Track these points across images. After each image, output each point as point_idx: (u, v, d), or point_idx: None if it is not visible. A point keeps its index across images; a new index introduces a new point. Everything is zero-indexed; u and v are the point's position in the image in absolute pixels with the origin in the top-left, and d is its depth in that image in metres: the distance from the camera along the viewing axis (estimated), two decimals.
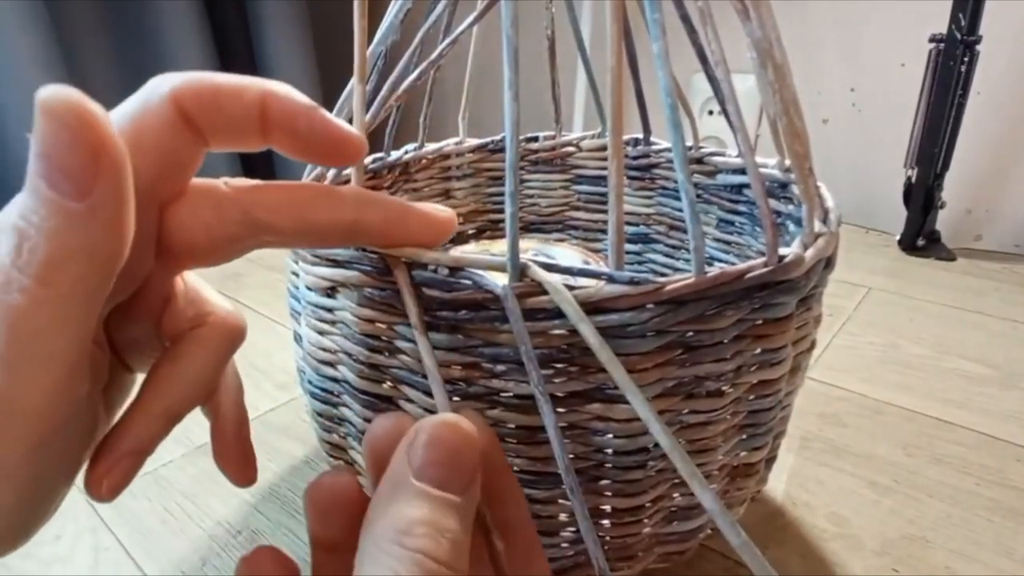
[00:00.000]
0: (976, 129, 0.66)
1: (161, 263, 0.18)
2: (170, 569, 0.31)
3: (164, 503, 0.36)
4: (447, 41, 0.28)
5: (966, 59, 0.60)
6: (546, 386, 0.20)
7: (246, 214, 0.18)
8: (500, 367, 0.21)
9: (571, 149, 0.47)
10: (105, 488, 0.17)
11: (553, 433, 0.19)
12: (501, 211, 0.49)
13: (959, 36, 0.60)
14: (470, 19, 0.27)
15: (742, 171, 0.36)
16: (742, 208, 0.37)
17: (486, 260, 0.19)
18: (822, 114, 0.78)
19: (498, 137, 0.46)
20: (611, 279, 0.19)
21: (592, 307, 0.19)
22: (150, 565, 0.32)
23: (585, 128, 0.47)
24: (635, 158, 0.44)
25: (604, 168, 0.46)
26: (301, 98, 0.17)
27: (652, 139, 0.43)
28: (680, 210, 0.43)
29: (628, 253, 0.47)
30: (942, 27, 0.61)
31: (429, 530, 0.14)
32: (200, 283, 0.20)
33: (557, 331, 0.19)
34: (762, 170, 0.35)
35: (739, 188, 0.37)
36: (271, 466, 0.38)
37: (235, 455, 0.21)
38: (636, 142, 0.43)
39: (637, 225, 0.45)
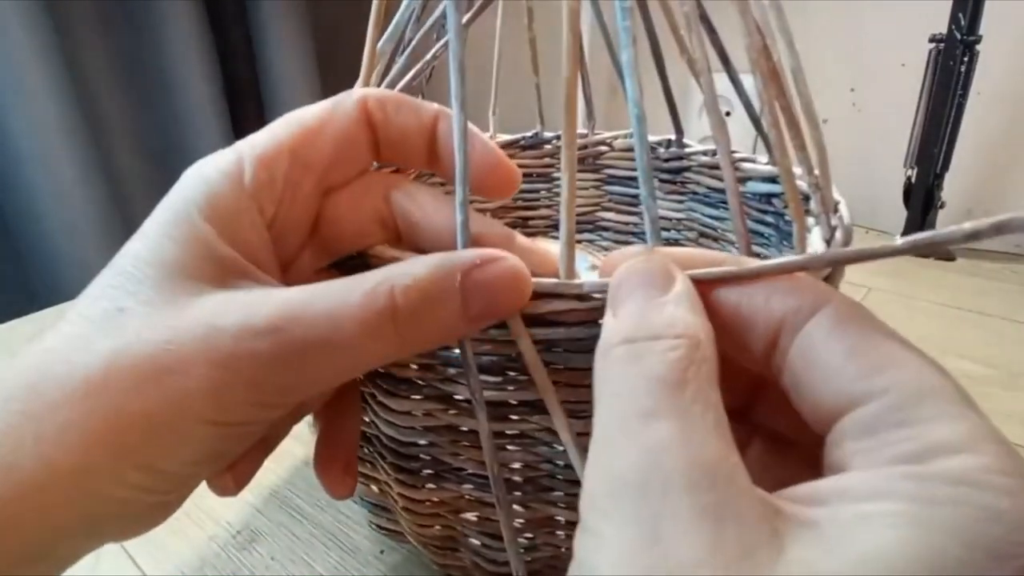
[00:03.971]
0: (976, 129, 0.66)
1: (311, 248, 0.20)
2: (170, 569, 0.31)
3: None
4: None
5: (966, 59, 0.60)
6: (498, 393, 0.20)
7: (387, 194, 0.20)
8: (451, 370, 0.21)
9: (603, 148, 0.45)
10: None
11: (486, 442, 0.19)
12: (529, 208, 0.49)
13: (959, 36, 0.60)
14: (471, 13, 0.27)
15: (772, 180, 0.34)
16: (769, 219, 0.35)
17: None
18: (822, 114, 0.77)
19: (529, 133, 0.46)
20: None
21: (535, 319, 0.18)
22: (150, 565, 0.31)
23: (609, 127, 0.46)
24: (666, 160, 0.42)
25: (636, 169, 0.45)
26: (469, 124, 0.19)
27: (684, 141, 0.41)
28: (711, 217, 0.41)
29: None
30: (942, 27, 0.61)
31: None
32: None
33: (507, 339, 0.19)
34: (758, 167, 0.35)
35: (768, 197, 0.35)
36: (271, 467, 0.38)
37: (339, 466, 0.22)
38: (668, 143, 0.42)
39: (668, 231, 0.43)
